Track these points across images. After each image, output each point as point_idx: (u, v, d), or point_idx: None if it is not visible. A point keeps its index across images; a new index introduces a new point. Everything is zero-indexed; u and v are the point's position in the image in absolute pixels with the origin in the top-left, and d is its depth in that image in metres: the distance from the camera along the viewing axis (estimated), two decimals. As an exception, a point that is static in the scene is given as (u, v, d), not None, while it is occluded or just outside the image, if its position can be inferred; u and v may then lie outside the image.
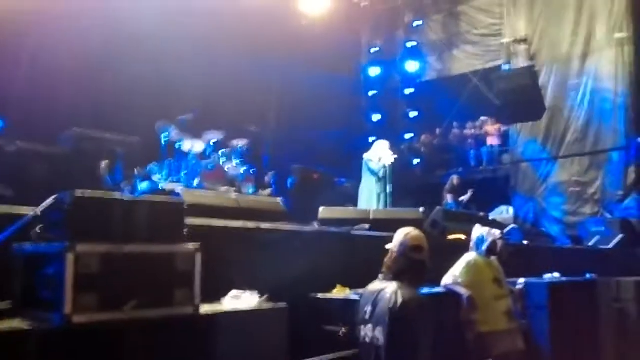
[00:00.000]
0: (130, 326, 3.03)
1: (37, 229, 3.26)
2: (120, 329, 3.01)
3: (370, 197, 8.59)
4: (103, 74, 8.49)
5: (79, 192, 3.15)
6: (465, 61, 14.91)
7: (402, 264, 3.57)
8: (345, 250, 5.41)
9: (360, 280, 4.01)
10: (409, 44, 15.64)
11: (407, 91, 15.92)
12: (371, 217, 6.93)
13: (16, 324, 2.90)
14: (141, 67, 8.91)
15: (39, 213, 3.42)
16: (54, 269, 2.95)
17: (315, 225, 6.56)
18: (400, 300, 3.36)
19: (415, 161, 15.26)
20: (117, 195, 3.42)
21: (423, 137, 15.70)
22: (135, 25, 8.70)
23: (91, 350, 2.91)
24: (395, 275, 3.55)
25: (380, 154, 8.74)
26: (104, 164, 6.75)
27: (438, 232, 7.03)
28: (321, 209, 7.03)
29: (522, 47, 12.91)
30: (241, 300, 3.79)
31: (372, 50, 16.05)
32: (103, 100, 8.44)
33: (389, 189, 8.64)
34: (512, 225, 9.70)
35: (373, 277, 3.70)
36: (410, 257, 3.59)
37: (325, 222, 6.92)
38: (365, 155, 8.79)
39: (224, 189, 8.04)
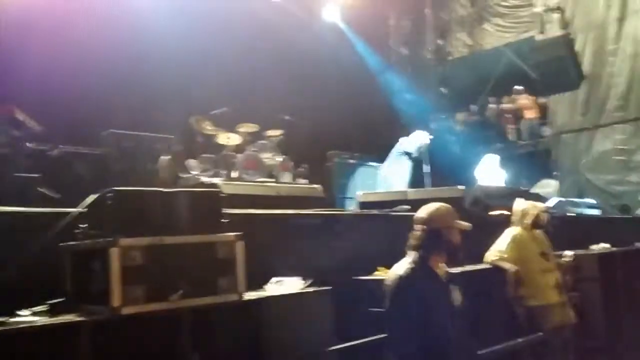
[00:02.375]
0: (177, 315, 3.09)
1: (82, 226, 3.34)
2: (167, 318, 3.07)
3: (403, 179, 8.55)
4: (134, 73, 8.60)
5: (118, 188, 3.22)
6: (496, 35, 14.59)
7: (419, 238, 3.58)
8: (385, 232, 5.39)
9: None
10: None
11: (439, 69, 15.69)
12: (409, 197, 6.88)
13: (69, 317, 2.99)
14: (171, 64, 9.02)
15: (82, 211, 3.51)
16: (100, 263, 3.03)
17: (355, 209, 6.55)
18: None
19: (452, 139, 15.06)
20: (155, 188, 3.47)
21: (458, 115, 15.48)
22: (162, 23, 8.80)
23: (141, 339, 2.98)
24: (410, 249, 3.57)
25: (415, 139, 8.73)
26: (165, 160, 6.90)
27: (479, 209, 6.93)
28: (359, 192, 7.02)
29: (555, 16, 12.54)
30: (284, 285, 3.82)
31: (401, 30, 15.83)
32: (136, 99, 8.56)
33: (425, 169, 8.57)
34: (556, 198, 9.50)
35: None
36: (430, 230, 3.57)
37: (364, 205, 6.92)
38: (401, 140, 8.76)
39: (261, 178, 8.10)
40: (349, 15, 11.61)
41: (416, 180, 9.09)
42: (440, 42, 15.59)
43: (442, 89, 15.60)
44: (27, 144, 6.21)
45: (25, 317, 2.94)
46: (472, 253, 4.97)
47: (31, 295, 3.13)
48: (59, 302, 3.19)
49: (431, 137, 8.85)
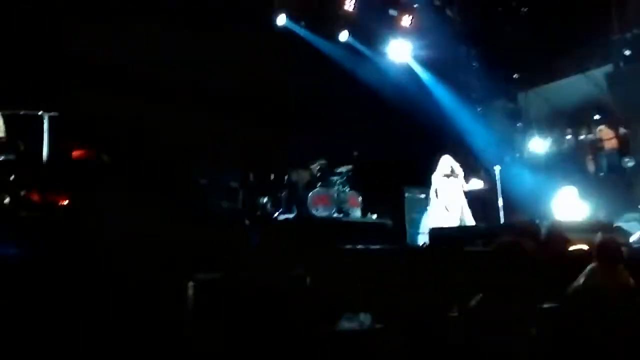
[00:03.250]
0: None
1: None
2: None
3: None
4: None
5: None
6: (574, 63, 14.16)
7: None
8: (457, 267, 5.28)
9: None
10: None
11: (512, 101, 15.37)
12: (483, 232, 6.73)
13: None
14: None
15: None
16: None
17: (425, 244, 6.48)
18: None
19: (526, 172, 14.64)
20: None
21: (533, 147, 15.05)
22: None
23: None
24: None
25: (449, 167, 8.55)
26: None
27: (557, 244, 6.68)
28: (430, 226, 6.94)
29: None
30: (354, 322, 3.81)
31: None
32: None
33: (499, 202, 8.39)
34: (641, 233, 9.00)
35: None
36: None
37: (435, 240, 6.82)
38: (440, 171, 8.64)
39: (332, 214, 8.17)
40: (418, 51, 11.65)
41: (488, 215, 8.89)
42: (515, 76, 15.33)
43: (517, 123, 15.28)
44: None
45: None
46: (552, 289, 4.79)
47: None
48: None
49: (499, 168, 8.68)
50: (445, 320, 4.33)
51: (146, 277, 3.42)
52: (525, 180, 14.33)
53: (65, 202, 5.87)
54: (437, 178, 8.47)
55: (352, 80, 10.24)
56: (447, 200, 8.38)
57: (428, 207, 8.77)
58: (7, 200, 5.30)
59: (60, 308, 2.87)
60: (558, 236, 6.91)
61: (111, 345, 2.77)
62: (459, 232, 7.05)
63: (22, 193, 5.57)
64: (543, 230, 6.91)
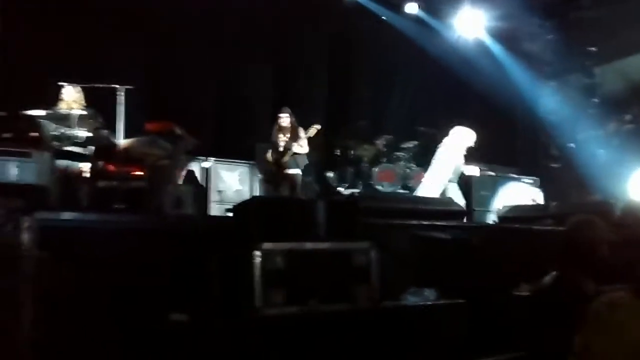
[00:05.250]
0: (314, 319, 3.21)
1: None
2: (305, 321, 3.20)
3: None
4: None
5: (261, 196, 3.42)
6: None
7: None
8: (526, 247, 5.18)
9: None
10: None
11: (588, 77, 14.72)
12: (553, 211, 6.54)
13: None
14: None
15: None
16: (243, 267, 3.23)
17: (494, 222, 6.37)
18: None
19: (600, 151, 14.04)
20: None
21: (609, 125, 14.41)
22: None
23: (280, 340, 3.13)
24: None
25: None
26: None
27: (631, 224, 6.41)
28: (500, 205, 6.80)
29: None
30: (420, 296, 3.82)
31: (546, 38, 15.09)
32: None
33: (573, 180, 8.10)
34: None
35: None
36: None
37: (504, 219, 6.69)
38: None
39: (397, 190, 8.14)
40: (489, 23, 11.29)
41: (557, 193, 8.63)
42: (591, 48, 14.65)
43: (592, 99, 14.63)
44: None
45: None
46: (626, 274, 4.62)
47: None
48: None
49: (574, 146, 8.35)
50: (511, 298, 4.27)
51: (213, 246, 3.53)
52: (600, 159, 13.75)
53: (140, 173, 6.11)
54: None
55: (418, 53, 10.07)
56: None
57: (501, 185, 8.56)
58: (86, 170, 5.56)
59: (135, 271, 3.01)
60: (633, 217, 6.63)
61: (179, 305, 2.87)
62: (529, 211, 6.87)
63: (100, 164, 5.83)
64: (617, 211, 6.65)
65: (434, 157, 7.79)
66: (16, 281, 2.59)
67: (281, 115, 7.64)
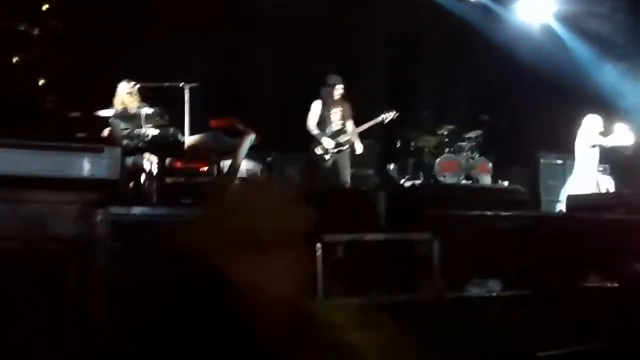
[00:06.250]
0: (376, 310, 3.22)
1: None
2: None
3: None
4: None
5: (322, 186, 3.47)
6: None
7: None
8: (596, 237, 5.00)
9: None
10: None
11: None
12: (625, 199, 6.28)
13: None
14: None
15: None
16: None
17: (562, 212, 6.18)
18: None
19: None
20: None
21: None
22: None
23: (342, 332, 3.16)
24: None
25: (595, 129, 7.80)
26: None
27: None
28: (567, 194, 6.60)
29: None
30: (483, 287, 3.78)
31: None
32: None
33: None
34: None
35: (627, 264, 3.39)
36: None
37: (572, 208, 6.48)
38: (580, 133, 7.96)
39: (461, 180, 8.03)
40: (557, 4, 10.91)
41: (630, 181, 8.25)
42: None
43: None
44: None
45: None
46: None
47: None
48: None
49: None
50: (578, 290, 4.16)
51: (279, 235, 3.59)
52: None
53: (205, 169, 6.29)
54: (581, 142, 7.85)
55: (482, 40, 9.85)
56: (591, 166, 7.81)
57: (570, 174, 8.29)
58: (154, 167, 5.77)
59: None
60: None
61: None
62: (600, 200, 6.62)
63: (168, 161, 6.03)
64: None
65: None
66: (90, 272, 2.74)
67: (337, 85, 7.01)
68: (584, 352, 3.63)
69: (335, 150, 7.08)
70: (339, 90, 7.11)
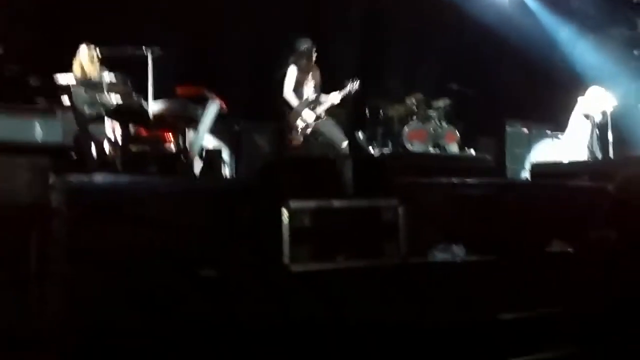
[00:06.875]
0: (341, 275, 3.25)
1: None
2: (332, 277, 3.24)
3: (583, 148, 7.90)
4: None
5: (290, 154, 3.44)
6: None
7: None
8: (559, 204, 5.09)
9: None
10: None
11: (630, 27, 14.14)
12: (590, 168, 6.39)
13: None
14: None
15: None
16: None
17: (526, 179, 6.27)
18: None
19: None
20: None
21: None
22: None
23: (307, 296, 3.18)
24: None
25: (596, 101, 7.93)
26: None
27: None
28: (532, 162, 6.69)
29: None
30: (448, 253, 3.82)
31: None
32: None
33: (609, 137, 7.87)
34: None
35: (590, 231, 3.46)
36: None
37: (537, 176, 6.58)
38: (580, 101, 8.06)
39: (429, 149, 8.07)
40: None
41: (599, 149, 8.39)
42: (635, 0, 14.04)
43: (634, 51, 14.08)
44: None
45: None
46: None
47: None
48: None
49: (616, 103, 8.06)
50: (541, 256, 4.24)
51: (245, 201, 3.56)
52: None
53: (171, 137, 6.18)
54: (579, 111, 7.91)
55: (452, 10, 9.82)
56: (584, 136, 7.90)
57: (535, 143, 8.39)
58: (118, 136, 5.65)
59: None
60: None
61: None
62: (564, 168, 6.73)
63: (132, 129, 5.91)
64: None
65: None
66: (46, 241, 2.68)
67: (312, 49, 6.88)
68: (544, 315, 3.72)
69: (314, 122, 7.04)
70: (314, 54, 7.04)
